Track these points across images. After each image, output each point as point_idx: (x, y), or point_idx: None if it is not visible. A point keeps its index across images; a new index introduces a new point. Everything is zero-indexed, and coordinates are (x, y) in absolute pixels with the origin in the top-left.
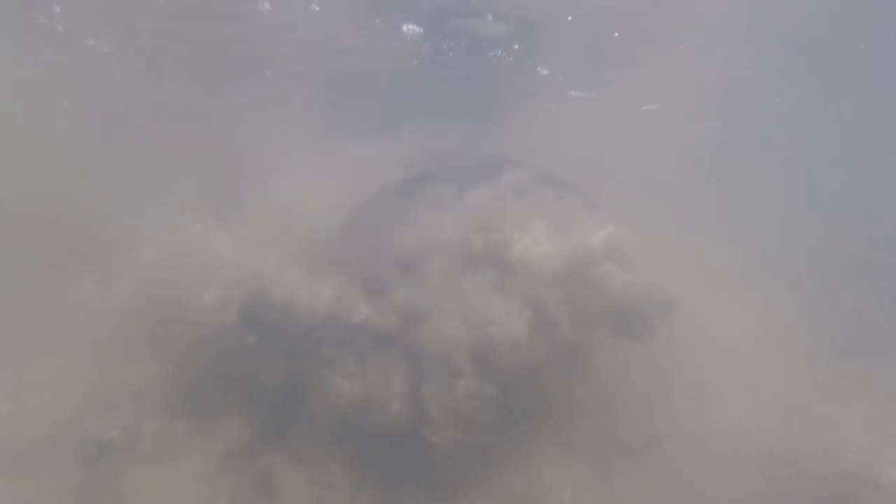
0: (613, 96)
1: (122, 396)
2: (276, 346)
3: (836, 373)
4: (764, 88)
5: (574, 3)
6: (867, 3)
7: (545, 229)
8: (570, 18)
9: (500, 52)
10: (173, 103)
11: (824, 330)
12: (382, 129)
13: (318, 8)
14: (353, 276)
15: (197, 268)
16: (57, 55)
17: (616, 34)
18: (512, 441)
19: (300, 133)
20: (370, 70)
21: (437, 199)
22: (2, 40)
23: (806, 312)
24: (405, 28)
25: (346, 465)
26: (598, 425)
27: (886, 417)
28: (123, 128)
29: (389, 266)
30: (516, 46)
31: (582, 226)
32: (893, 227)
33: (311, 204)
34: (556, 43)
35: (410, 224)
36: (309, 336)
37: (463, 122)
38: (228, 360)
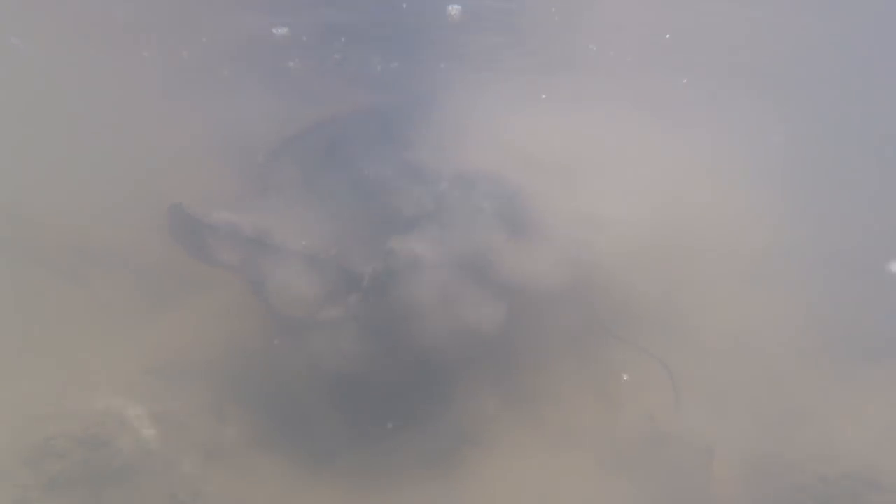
0: None
1: None
2: None
3: (837, 372)
4: None
5: None
6: None
7: None
8: None
9: None
10: None
11: (824, 328)
12: None
13: None
14: None
15: None
16: None
17: None
18: None
19: None
20: None
21: None
22: None
23: (806, 310)
24: None
25: None
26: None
27: (887, 417)
28: None
29: None
30: None
31: None
32: None
33: None
34: None
35: None
36: None
37: None
38: None
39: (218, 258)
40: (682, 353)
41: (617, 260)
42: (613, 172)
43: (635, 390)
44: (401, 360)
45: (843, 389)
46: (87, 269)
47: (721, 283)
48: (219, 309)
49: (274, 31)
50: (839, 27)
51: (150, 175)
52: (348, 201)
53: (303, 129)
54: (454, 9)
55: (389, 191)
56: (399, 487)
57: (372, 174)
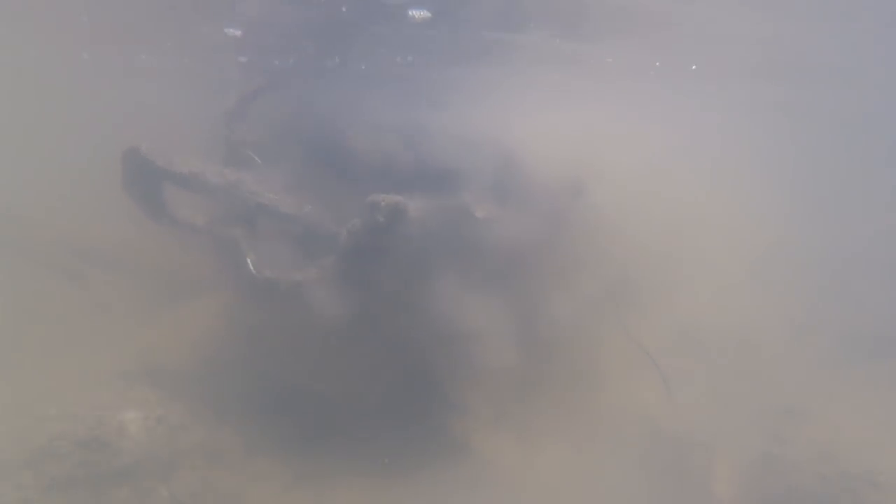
0: None
1: None
2: None
3: (837, 372)
4: None
5: None
6: None
7: None
8: None
9: None
10: None
11: (824, 328)
12: None
13: None
14: None
15: None
16: None
17: None
18: None
19: None
20: None
21: None
22: None
23: (806, 310)
24: None
25: None
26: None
27: (886, 417)
28: None
29: None
30: None
31: None
32: None
33: None
34: None
35: None
36: None
37: None
38: None
39: (180, 216)
40: (683, 353)
41: (616, 257)
42: (612, 167)
43: (636, 389)
44: (388, 333)
45: (843, 389)
46: (86, 270)
47: (721, 283)
48: (218, 309)
49: (226, 31)
50: (841, 30)
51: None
52: (318, 161)
53: (268, 85)
54: (419, 13)
55: (364, 148)
56: (399, 481)
57: (343, 131)
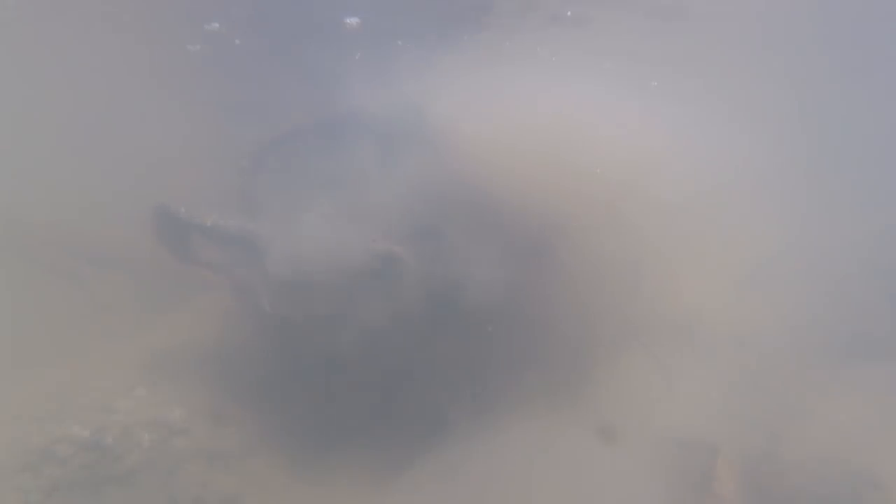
0: None
1: None
2: None
3: (837, 372)
4: None
5: None
6: None
7: None
8: None
9: None
10: None
11: (824, 328)
12: None
13: None
14: None
15: None
16: None
17: None
18: None
19: None
20: None
21: None
22: None
23: (806, 310)
24: None
25: None
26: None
27: (886, 417)
28: None
29: None
30: None
31: None
32: None
33: None
34: None
35: None
36: None
37: None
38: None
39: (204, 259)
40: (683, 353)
41: (615, 258)
42: (612, 163)
43: (637, 388)
44: (400, 354)
45: (843, 389)
46: (85, 271)
47: (721, 283)
48: (219, 309)
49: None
50: (842, 27)
51: (145, 176)
52: (338, 201)
53: (285, 132)
54: (352, 21)
55: (379, 188)
56: (401, 480)
57: (363, 171)
